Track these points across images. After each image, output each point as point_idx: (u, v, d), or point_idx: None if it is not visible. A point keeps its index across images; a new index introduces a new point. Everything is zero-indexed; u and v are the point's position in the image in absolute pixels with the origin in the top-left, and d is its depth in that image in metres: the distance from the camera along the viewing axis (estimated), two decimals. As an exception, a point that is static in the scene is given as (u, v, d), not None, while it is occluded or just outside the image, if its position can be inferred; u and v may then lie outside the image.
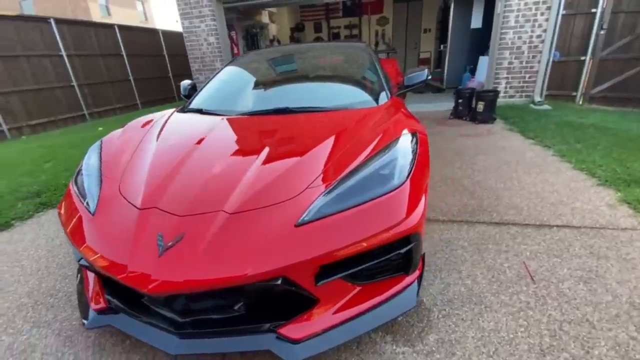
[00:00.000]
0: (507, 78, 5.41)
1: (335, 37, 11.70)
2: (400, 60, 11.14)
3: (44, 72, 7.61)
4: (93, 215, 1.39)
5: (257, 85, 2.42)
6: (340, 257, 1.18)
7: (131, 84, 9.89)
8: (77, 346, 1.46)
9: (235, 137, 1.74)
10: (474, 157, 3.43)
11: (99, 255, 1.24)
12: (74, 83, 8.22)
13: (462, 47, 6.69)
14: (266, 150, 1.55)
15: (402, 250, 1.27)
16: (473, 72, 6.63)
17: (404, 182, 1.32)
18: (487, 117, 4.63)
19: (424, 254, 1.56)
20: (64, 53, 8.00)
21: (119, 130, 2.03)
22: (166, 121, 2.06)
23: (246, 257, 1.11)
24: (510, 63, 5.30)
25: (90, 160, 1.70)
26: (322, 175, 1.36)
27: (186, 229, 1.20)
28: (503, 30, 5.14)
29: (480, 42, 6.24)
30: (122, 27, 9.79)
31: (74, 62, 8.28)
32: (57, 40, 7.87)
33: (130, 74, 9.83)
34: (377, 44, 11.39)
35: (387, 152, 1.42)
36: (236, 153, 1.59)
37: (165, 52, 11.06)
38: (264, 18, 8.60)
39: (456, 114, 5.11)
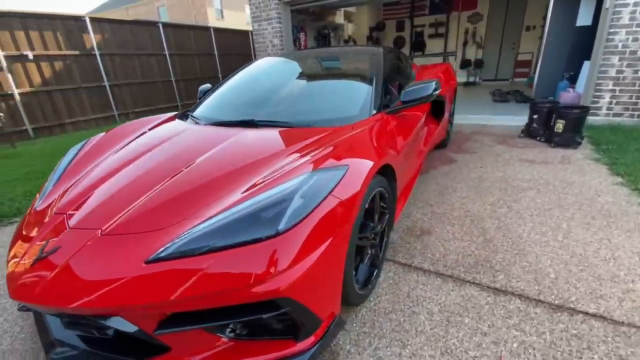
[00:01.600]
0: (613, 91, 4.13)
1: (418, 36, 10.88)
2: (491, 63, 9.76)
3: (150, 68, 9.07)
4: (31, 212, 1.51)
5: (244, 92, 2.33)
6: (186, 308, 1.02)
7: (219, 81, 11.06)
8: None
9: (177, 149, 1.69)
10: (521, 192, 2.71)
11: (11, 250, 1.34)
12: (172, 78, 9.57)
13: (561, 48, 5.39)
14: (187, 168, 1.46)
15: (266, 315, 1.04)
16: (574, 80, 5.31)
17: (284, 232, 1.06)
18: (569, 139, 3.62)
19: (334, 316, 1.26)
20: (167, 52, 9.38)
21: (112, 130, 2.21)
22: (151, 127, 2.15)
23: (86, 286, 1.04)
24: (619, 72, 4.02)
25: (65, 158, 1.88)
26: (209, 206, 1.20)
27: (64, 242, 1.19)
28: (612, 30, 3.92)
29: (588, 43, 4.94)
30: (217, 30, 10.97)
31: (174, 60, 9.63)
32: (163, 42, 9.27)
33: (219, 72, 10.98)
34: (465, 43, 10.17)
35: (285, 188, 1.17)
36: (160, 167, 1.54)
37: (253, 52, 12.03)
38: (339, 18, 8.50)
39: (528, 132, 4.15)
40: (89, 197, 1.42)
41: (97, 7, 34.81)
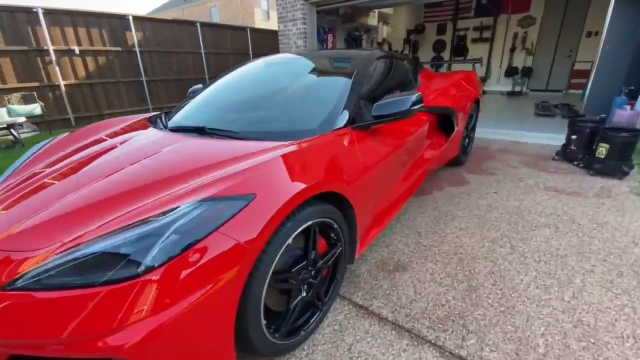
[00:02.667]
0: (681, 111, 3.38)
1: (461, 40, 10.14)
2: (542, 72, 8.82)
3: (186, 66, 9.43)
4: None
5: (215, 97, 2.17)
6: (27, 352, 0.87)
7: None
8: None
9: (114, 156, 1.56)
10: (534, 230, 2.26)
11: None
12: (207, 76, 9.87)
13: (621, 58, 4.60)
14: (107, 178, 1.32)
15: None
16: (634, 96, 4.50)
17: (145, 273, 0.87)
18: (613, 168, 3.01)
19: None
20: (203, 51, 9.70)
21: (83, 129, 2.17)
22: (115, 130, 2.07)
23: None
24: (691, 88, 3.28)
25: (25, 155, 1.85)
26: (88, 229, 1.03)
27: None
28: (685, 36, 3.20)
29: (656, 52, 4.17)
30: (253, 30, 11.16)
31: (210, 58, 9.93)
32: (200, 41, 9.60)
33: (253, 71, 11.14)
34: (513, 49, 9.28)
35: (159, 219, 0.97)
36: (84, 175, 1.41)
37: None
38: (372, 20, 8.15)
39: (565, 154, 3.55)
40: (8, 203, 1.34)
41: (158, 7, 37.53)
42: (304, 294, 1.38)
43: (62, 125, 7.13)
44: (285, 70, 2.24)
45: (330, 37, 7.35)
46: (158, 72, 8.85)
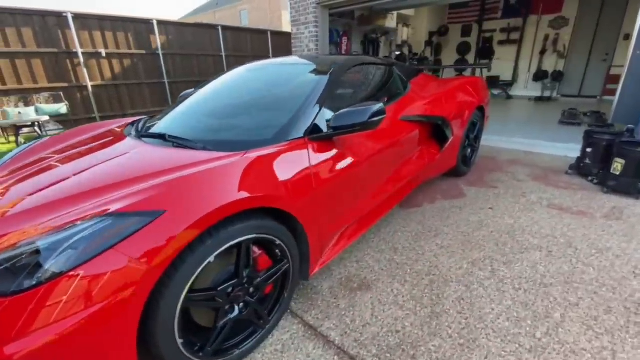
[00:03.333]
0: None
1: (486, 42, 9.68)
2: (574, 76, 8.23)
3: (206, 68, 9.70)
4: None
5: (190, 103, 2.15)
6: None
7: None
8: None
9: (76, 163, 1.58)
10: (522, 252, 2.06)
11: None
12: (226, 78, 10.10)
13: (656, 63, 4.15)
14: (53, 185, 1.33)
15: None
16: (670, 105, 4.04)
17: (32, 289, 0.86)
18: (629, 186, 2.70)
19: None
20: (223, 54, 9.93)
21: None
22: (94, 135, 2.12)
23: None
24: None
25: (10, 154, 1.94)
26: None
27: None
28: None
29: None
30: (274, 33, 11.27)
31: (230, 61, 10.15)
32: (221, 43, 9.84)
33: (272, 73, 11.27)
34: (543, 52, 8.71)
35: (50, 234, 0.95)
36: (40, 180, 1.44)
37: None
38: (390, 22, 7.95)
39: (579, 168, 3.25)
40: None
41: (190, 12, 39.10)
42: (237, 313, 1.32)
43: (88, 123, 7.55)
44: (259, 78, 2.20)
45: (344, 40, 7.26)
46: (179, 73, 9.16)
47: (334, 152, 1.69)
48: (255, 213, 1.30)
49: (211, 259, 1.14)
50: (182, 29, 9.05)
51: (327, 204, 1.63)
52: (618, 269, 1.87)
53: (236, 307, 1.32)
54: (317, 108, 1.69)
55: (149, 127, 1.99)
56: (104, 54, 7.63)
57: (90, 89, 7.56)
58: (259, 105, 1.87)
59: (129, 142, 1.75)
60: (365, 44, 8.03)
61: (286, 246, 1.44)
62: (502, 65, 9.49)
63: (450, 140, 2.75)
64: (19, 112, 5.44)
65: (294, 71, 2.11)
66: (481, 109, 3.29)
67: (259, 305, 1.41)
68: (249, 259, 1.31)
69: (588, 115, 5.79)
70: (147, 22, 8.26)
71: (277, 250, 1.43)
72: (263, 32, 11.15)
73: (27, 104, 6.44)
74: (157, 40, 8.48)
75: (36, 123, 5.68)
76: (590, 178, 3.09)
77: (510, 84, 9.40)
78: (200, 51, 9.45)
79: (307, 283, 1.86)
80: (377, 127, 1.62)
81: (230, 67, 9.82)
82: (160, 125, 1.97)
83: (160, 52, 8.58)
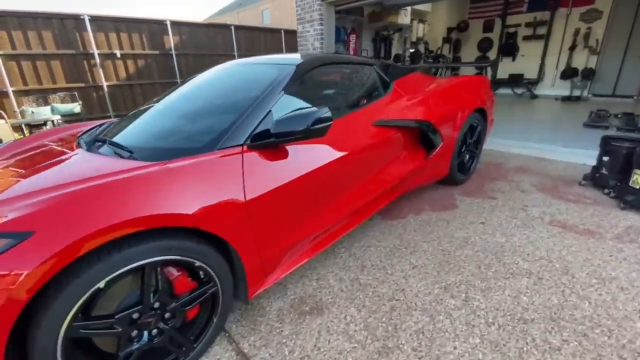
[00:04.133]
0: None
1: (510, 37, 9.09)
2: (608, 74, 7.56)
3: (219, 67, 9.78)
4: None
5: (151, 109, 2.04)
6: None
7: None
8: None
9: (27, 167, 1.52)
10: (506, 278, 1.80)
11: None
12: (239, 77, 10.14)
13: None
14: None
15: None
16: None
17: None
18: (652, 202, 2.33)
19: None
20: (236, 53, 9.95)
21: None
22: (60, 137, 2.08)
23: None
24: None
25: None
26: None
27: None
28: None
29: None
30: (287, 32, 11.18)
31: (243, 60, 10.18)
32: (233, 43, 9.88)
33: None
34: (573, 47, 8.04)
35: None
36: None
37: None
38: (403, 19, 7.61)
39: (594, 179, 2.87)
40: None
41: (216, 12, 39.96)
42: (145, 341, 1.19)
43: (103, 122, 7.80)
44: (221, 79, 2.05)
45: (352, 37, 7.03)
46: (192, 73, 9.25)
47: (282, 161, 1.52)
48: (169, 232, 1.17)
49: (101, 284, 1.02)
50: (195, 29, 9.15)
51: (270, 220, 1.46)
52: (620, 306, 1.57)
53: (145, 334, 1.19)
54: (263, 112, 1.53)
55: (109, 132, 1.91)
56: (118, 55, 7.84)
57: (105, 88, 7.80)
58: (208, 109, 1.73)
59: (73, 150, 1.67)
60: (377, 41, 7.75)
61: (211, 268, 1.29)
62: (526, 62, 8.88)
63: (439, 147, 2.49)
64: (32, 112, 5.66)
65: (258, 71, 1.95)
66: (482, 112, 2.99)
67: (176, 333, 1.27)
68: (159, 283, 1.17)
69: (619, 117, 5.24)
70: (160, 23, 8.41)
71: (200, 272, 1.28)
72: (276, 31, 11.10)
73: (46, 104, 6.73)
74: (170, 40, 8.63)
75: (49, 122, 5.89)
76: (606, 191, 2.72)
77: (535, 83, 8.77)
78: (213, 51, 9.52)
79: (257, 303, 1.71)
80: (324, 135, 1.44)
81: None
82: (114, 131, 1.89)
83: (173, 52, 8.72)
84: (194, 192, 1.22)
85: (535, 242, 2.12)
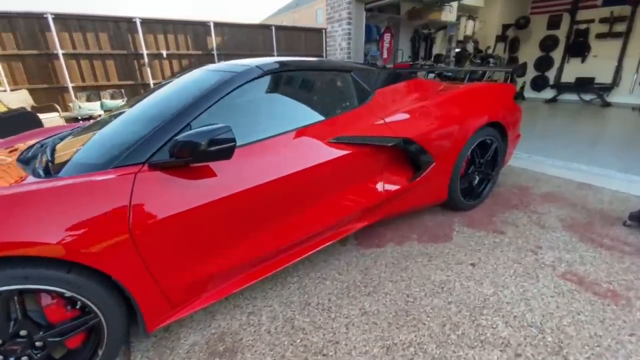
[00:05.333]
0: None
1: (580, 35, 7.82)
2: None
3: (258, 67, 9.95)
4: None
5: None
6: None
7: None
8: None
9: None
10: (474, 347, 1.41)
11: None
12: (277, 77, 10.22)
13: None
14: None
15: None
16: None
17: None
18: None
19: None
20: (275, 53, 10.05)
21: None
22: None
23: None
24: None
25: None
26: None
27: None
28: None
29: None
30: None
31: (282, 60, 10.24)
32: (273, 43, 9.97)
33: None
34: (662, 47, 6.63)
35: None
36: None
37: (325, 55, 11.52)
38: (447, 15, 6.93)
39: (643, 221, 2.22)
40: None
41: (274, 12, 41.29)
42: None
43: (147, 117, 8.40)
44: (169, 88, 1.92)
45: (386, 37, 6.60)
46: (232, 73, 9.57)
47: (200, 181, 1.34)
48: (34, 259, 1.07)
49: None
50: (236, 30, 9.40)
51: (173, 248, 1.30)
52: (620, 418, 1.12)
53: (11, 361, 1.11)
54: (177, 127, 1.37)
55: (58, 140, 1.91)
56: (164, 55, 8.36)
57: (152, 86, 8.38)
58: (138, 120, 1.60)
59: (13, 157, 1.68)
60: (416, 40, 7.20)
61: (87, 299, 1.17)
62: (599, 64, 7.58)
63: (429, 167, 2.11)
64: (79, 106, 6.26)
65: (205, 79, 1.78)
66: (497, 126, 2.50)
67: (47, 364, 1.17)
68: (18, 312, 1.08)
69: None
70: (204, 24, 8.79)
71: (78, 302, 1.17)
72: (318, 31, 10.96)
73: (98, 99, 7.44)
74: (213, 41, 8.97)
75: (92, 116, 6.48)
76: (658, 238, 2.08)
77: (608, 88, 7.44)
78: (253, 51, 9.71)
79: (175, 332, 1.57)
80: (230, 157, 1.23)
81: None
82: (68, 138, 1.88)
83: (215, 52, 9.07)
84: (64, 216, 1.10)
85: (531, 300, 1.67)
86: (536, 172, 3.47)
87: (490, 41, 8.63)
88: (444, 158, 2.20)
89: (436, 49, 7.59)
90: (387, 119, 1.95)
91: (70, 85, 7.32)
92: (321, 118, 1.78)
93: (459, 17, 7.45)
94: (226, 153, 1.21)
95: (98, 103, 7.02)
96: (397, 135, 1.93)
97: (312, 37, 10.74)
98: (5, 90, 6.64)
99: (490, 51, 8.44)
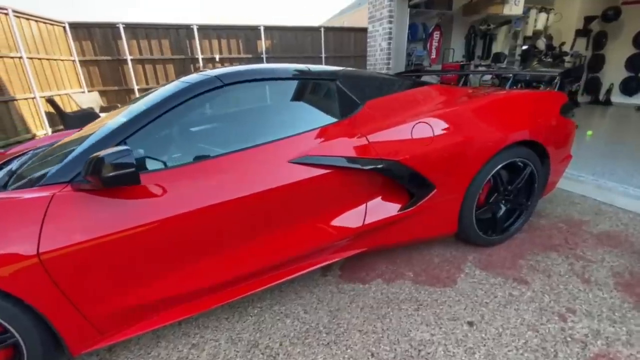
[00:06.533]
0: None
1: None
2: None
3: (305, 69, 9.94)
4: None
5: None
6: None
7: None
8: None
9: None
10: None
11: None
12: (323, 79, 10.11)
13: None
14: None
15: None
16: None
17: None
18: None
19: None
20: (323, 55, 9.95)
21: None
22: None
23: None
24: None
25: None
26: None
27: None
28: None
29: None
30: (381, 30, 10.51)
31: (329, 62, 10.09)
32: (322, 45, 9.87)
33: (374, 74, 10.62)
34: None
35: None
36: None
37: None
38: (511, 8, 6.03)
39: None
40: None
41: (337, 13, 41.33)
42: None
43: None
44: (149, 98, 1.86)
45: (436, 35, 6.01)
46: (279, 75, 9.72)
47: (122, 203, 1.24)
48: None
49: None
50: (285, 33, 9.51)
51: (99, 274, 1.22)
52: None
53: None
54: (107, 143, 1.28)
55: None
56: (217, 59, 8.82)
57: (204, 88, 8.92)
58: (93, 134, 1.56)
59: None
60: (471, 38, 6.45)
61: (2, 319, 1.14)
62: None
63: (428, 195, 1.75)
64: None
65: (167, 90, 1.68)
66: (534, 145, 1.99)
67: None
68: None
69: None
70: (254, 29, 9.05)
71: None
72: (364, 30, 10.55)
73: (158, 100, 8.14)
74: (262, 44, 9.20)
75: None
76: None
77: None
78: (301, 53, 9.74)
79: (116, 354, 1.50)
80: (138, 183, 1.09)
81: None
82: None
83: (264, 55, 9.30)
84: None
85: (537, 389, 1.24)
86: (599, 201, 2.76)
87: (567, 36, 7.35)
88: (451, 184, 1.80)
89: (497, 47, 6.70)
90: (371, 137, 1.64)
91: (136, 87, 8.15)
92: (286, 135, 1.56)
93: (527, 10, 6.47)
94: (128, 179, 1.08)
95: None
96: (380, 156, 1.61)
97: (362, 38, 10.36)
98: (83, 92, 7.64)
99: (566, 48, 7.18)
